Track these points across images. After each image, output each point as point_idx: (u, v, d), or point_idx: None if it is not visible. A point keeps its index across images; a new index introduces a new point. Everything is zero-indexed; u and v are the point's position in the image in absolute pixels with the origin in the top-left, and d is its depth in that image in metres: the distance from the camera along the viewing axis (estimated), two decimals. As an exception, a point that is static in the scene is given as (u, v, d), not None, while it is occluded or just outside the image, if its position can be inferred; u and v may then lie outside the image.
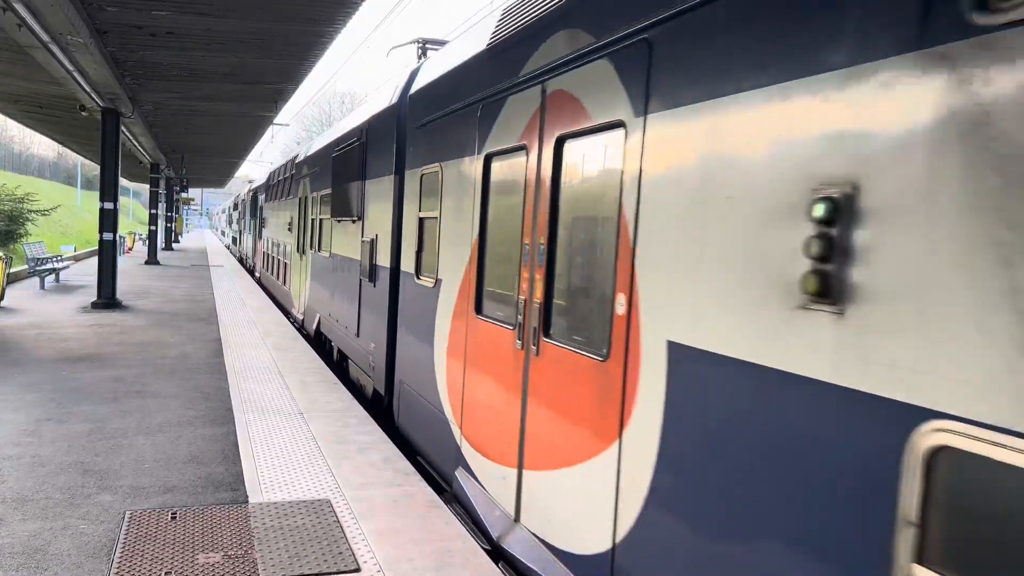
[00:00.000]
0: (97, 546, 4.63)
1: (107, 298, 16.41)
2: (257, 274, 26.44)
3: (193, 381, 9.33)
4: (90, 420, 7.39)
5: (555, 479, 4.30)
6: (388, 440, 7.06)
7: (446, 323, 6.32)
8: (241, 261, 34.92)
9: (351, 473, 6.09)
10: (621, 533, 3.61)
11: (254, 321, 14.86)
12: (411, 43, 11.71)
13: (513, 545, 4.71)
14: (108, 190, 16.72)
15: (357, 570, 4.42)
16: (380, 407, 8.60)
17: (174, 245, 45.95)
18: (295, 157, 17.59)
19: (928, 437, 2.06)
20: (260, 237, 25.49)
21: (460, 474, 5.88)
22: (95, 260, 18.11)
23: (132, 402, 8.17)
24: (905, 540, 2.14)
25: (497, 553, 4.92)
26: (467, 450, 5.76)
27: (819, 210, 2.47)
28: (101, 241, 16.68)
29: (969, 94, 2.03)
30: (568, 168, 4.40)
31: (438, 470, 6.60)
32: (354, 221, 10.15)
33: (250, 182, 36.99)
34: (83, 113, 16.52)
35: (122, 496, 5.47)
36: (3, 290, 15.99)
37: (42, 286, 19.85)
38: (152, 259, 31.15)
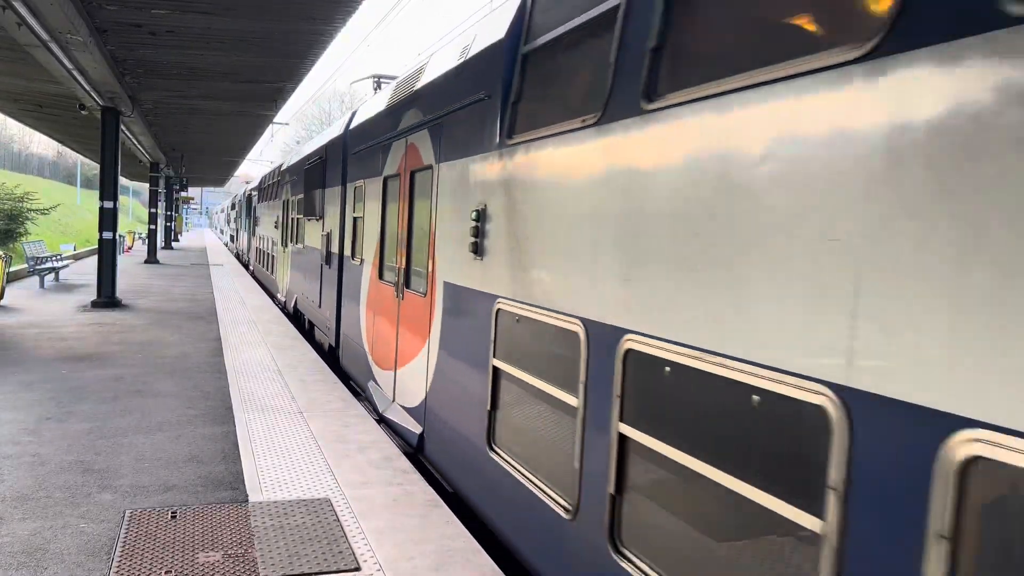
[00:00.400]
0: (97, 545, 4.63)
1: (107, 297, 16.40)
2: (251, 267, 29.44)
3: (193, 380, 9.33)
4: (90, 419, 7.39)
5: (409, 369, 7.39)
6: (388, 439, 7.06)
7: (366, 288, 9.47)
8: (238, 256, 37.87)
9: (351, 472, 6.09)
10: (428, 389, 6.76)
11: (254, 320, 14.85)
12: (368, 78, 15.97)
13: (390, 413, 7.93)
14: (108, 189, 16.71)
15: (357, 569, 4.42)
16: (333, 357, 11.70)
17: (174, 244, 45.94)
18: (280, 165, 20.87)
19: (496, 304, 5.08)
20: (254, 234, 28.82)
21: (369, 384, 9.15)
22: (95, 259, 18.12)
23: (132, 401, 8.17)
24: (490, 348, 5.20)
25: (381, 419, 8.07)
26: (373, 367, 9.00)
27: (473, 215, 5.50)
28: (101, 240, 16.67)
29: (509, 173, 5.00)
30: (416, 189, 7.50)
31: (360, 385, 9.88)
32: (317, 219, 13.22)
33: (247, 183, 40.14)
34: (83, 112, 16.52)
35: (122, 495, 5.47)
36: (3, 289, 15.98)
37: (42, 285, 19.84)
38: (152, 258, 31.15)
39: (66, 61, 12.39)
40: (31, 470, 5.90)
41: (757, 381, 2.77)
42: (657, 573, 3.34)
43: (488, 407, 5.23)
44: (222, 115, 20.44)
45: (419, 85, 7.64)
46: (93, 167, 52.92)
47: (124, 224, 55.36)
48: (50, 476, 5.78)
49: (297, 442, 6.85)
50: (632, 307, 3.52)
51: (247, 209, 32.35)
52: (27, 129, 30.24)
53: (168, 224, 42.98)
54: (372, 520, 5.13)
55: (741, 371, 2.84)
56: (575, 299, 4.05)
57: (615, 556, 3.62)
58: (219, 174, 50.61)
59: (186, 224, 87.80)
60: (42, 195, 33.21)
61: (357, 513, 5.24)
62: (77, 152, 35.79)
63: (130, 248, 40.30)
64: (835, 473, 2.39)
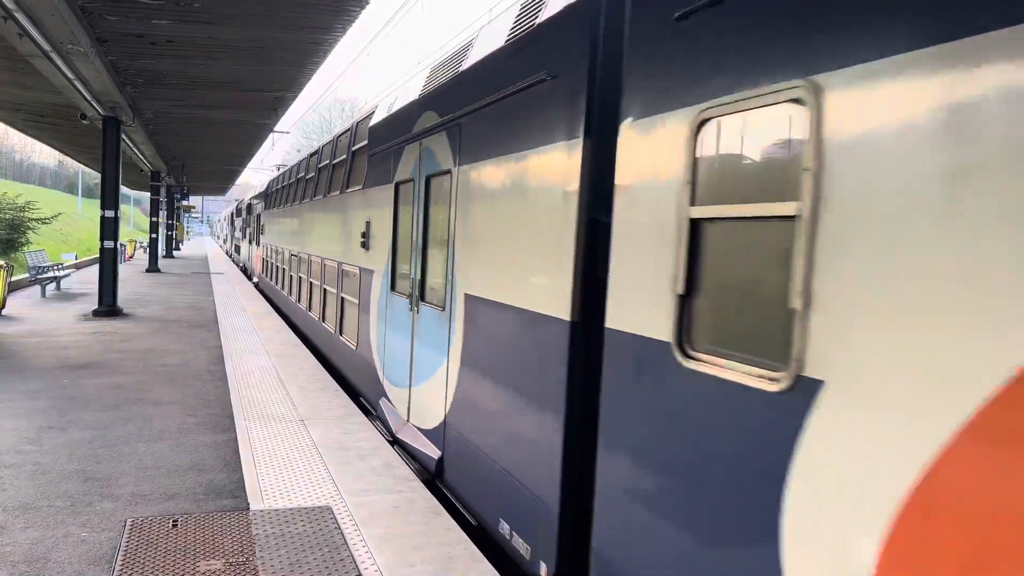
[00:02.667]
0: (99, 554, 4.64)
1: (108, 306, 16.42)
2: (231, 255, 49.58)
3: (194, 388, 9.34)
4: (91, 428, 7.41)
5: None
6: (389, 446, 7.07)
7: (257, 251, 25.49)
8: (228, 254, 53.66)
9: (352, 479, 6.10)
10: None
11: (255, 328, 14.87)
12: (274, 166, 42.86)
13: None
14: (109, 198, 16.74)
15: (358, 576, 4.42)
16: (250, 280, 27.69)
17: (175, 253, 45.97)
18: (241, 200, 41.39)
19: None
20: (233, 236, 49.43)
21: (255, 279, 26.48)
22: (96, 268, 18.15)
23: (133, 409, 8.19)
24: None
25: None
26: (262, 277, 23.80)
27: (254, 223, 25.88)
28: (102, 249, 16.70)
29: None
30: (258, 221, 23.88)
31: (249, 275, 28.84)
32: (251, 228, 28.34)
33: (237, 200, 59.04)
34: (84, 122, 16.55)
35: (123, 504, 5.48)
36: (4, 298, 16.00)
37: (43, 294, 19.87)
38: (153, 267, 31.17)
39: (67, 71, 12.43)
40: (33, 479, 5.91)
41: None
42: None
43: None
44: (223, 124, 20.49)
45: (262, 189, 25.08)
46: (94, 176, 53.03)
47: (125, 233, 55.35)
48: (51, 485, 5.80)
49: (298, 450, 6.86)
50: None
51: (231, 223, 54.84)
52: (29, 139, 30.52)
53: (169, 233, 43.03)
54: (373, 527, 5.14)
55: None
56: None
57: None
58: (220, 183, 50.60)
59: (187, 232, 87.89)
60: (43, 204, 33.27)
61: (358, 520, 5.25)
62: (78, 162, 35.86)
63: (131, 257, 40.33)
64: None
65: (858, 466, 2.31)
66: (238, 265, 38.54)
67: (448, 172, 6.24)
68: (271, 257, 21.08)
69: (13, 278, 20.19)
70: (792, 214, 2.59)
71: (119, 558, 4.56)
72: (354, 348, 9.85)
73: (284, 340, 13.44)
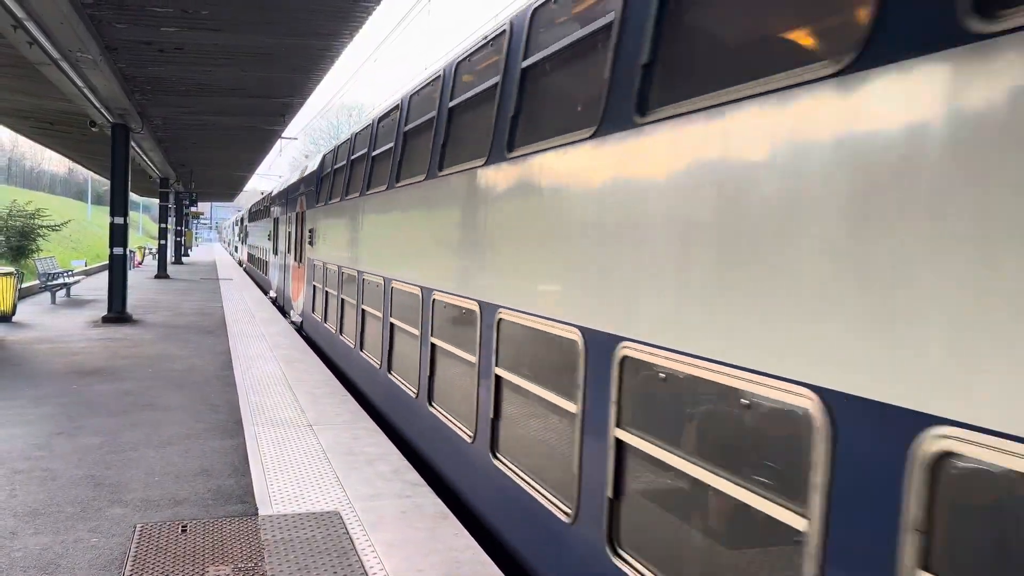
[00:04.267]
0: (108, 559, 4.64)
1: (117, 312, 16.50)
2: (233, 255, 65.14)
3: (202, 394, 9.36)
4: (101, 433, 7.43)
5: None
6: (397, 451, 7.07)
7: (247, 250, 46.29)
8: (230, 254, 68.58)
9: (360, 484, 6.09)
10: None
11: (263, 334, 14.91)
12: (271, 178, 57.99)
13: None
14: (118, 205, 16.84)
15: (367, 582, 4.41)
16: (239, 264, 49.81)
17: (184, 259, 46.21)
18: (237, 213, 76.24)
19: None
20: (234, 241, 71.62)
21: (238, 262, 53.70)
22: (105, 274, 18.24)
23: (142, 415, 8.21)
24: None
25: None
26: (245, 259, 47.95)
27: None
28: (111, 256, 16.78)
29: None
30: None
31: (240, 262, 51.75)
32: (244, 235, 51.21)
33: (238, 210, 78.33)
34: (93, 129, 16.66)
35: (132, 509, 5.49)
36: (15, 305, 16.09)
37: (53, 301, 19.98)
38: (162, 273, 31.33)
39: (76, 79, 12.52)
40: (42, 485, 5.93)
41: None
42: None
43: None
44: (230, 130, 20.61)
45: (246, 209, 50.59)
46: (103, 183, 53.33)
47: (134, 239, 55.65)
48: (61, 490, 5.81)
49: (307, 455, 6.86)
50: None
51: (232, 231, 76.91)
52: (38, 146, 30.75)
53: (178, 239, 43.24)
54: (381, 532, 5.13)
55: None
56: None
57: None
58: (228, 189, 50.92)
59: (196, 238, 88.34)
60: (53, 211, 33.50)
61: (367, 525, 5.24)
62: (88, 169, 36.09)
63: (140, 263, 40.54)
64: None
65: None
66: (235, 259, 55.57)
67: None
68: (252, 251, 38.21)
69: (23, 285, 20.30)
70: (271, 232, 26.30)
71: (128, 563, 4.57)
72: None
73: (292, 345, 13.47)
